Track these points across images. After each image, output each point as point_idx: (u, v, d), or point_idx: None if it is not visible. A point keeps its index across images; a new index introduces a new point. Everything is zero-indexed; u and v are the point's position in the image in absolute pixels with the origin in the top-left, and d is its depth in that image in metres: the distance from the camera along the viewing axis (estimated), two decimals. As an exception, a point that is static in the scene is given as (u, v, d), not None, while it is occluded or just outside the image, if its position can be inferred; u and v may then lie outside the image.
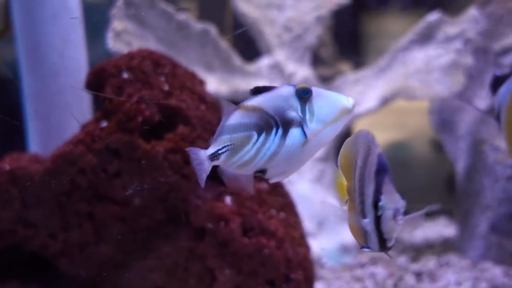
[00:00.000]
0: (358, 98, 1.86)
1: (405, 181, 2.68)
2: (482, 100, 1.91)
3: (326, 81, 2.14)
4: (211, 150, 0.70)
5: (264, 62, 1.99)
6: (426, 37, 1.79)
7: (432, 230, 2.04)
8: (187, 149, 0.71)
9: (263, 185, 1.25)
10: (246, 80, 1.95)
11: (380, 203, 0.69)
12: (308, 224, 1.92)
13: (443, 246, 1.92)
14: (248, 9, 1.97)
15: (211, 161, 0.70)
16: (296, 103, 0.70)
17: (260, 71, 1.98)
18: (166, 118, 1.16)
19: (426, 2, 2.41)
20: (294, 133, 0.70)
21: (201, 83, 1.28)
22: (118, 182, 1.13)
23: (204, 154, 0.70)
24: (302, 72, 2.02)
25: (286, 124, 0.70)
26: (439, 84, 1.74)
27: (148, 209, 1.15)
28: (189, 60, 1.85)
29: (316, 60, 2.67)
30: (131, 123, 1.13)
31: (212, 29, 1.87)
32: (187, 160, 1.14)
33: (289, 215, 1.23)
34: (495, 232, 1.68)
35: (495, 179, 1.72)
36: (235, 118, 0.70)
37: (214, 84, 1.84)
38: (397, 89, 1.76)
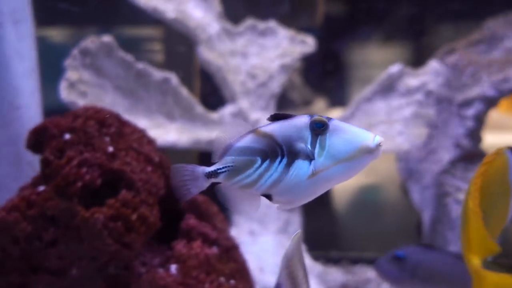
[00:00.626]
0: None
1: (376, 225, 2.65)
2: (447, 151, 1.90)
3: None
4: (212, 168, 0.71)
5: (227, 110, 1.96)
6: (388, 89, 1.79)
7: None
8: (173, 165, 0.71)
9: (213, 250, 1.19)
10: (208, 128, 1.91)
11: None
12: (272, 278, 1.85)
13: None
14: (211, 56, 1.94)
15: (208, 178, 0.70)
16: (307, 135, 0.70)
17: (223, 119, 1.94)
18: (109, 182, 1.11)
19: (409, 32, 2.44)
20: (300, 165, 0.70)
21: (150, 142, 1.23)
22: (54, 251, 1.06)
23: (201, 170, 0.71)
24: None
25: (292, 155, 0.70)
26: (402, 136, 1.72)
27: (86, 279, 1.08)
28: (149, 108, 1.81)
29: (287, 104, 2.65)
30: (70, 189, 1.06)
31: (173, 77, 1.83)
32: (128, 227, 1.08)
33: (239, 283, 1.16)
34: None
35: (459, 235, 1.69)
36: (245, 141, 0.71)
37: (174, 134, 1.79)
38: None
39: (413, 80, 1.77)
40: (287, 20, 2.23)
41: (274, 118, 0.71)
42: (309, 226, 2.12)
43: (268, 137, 0.70)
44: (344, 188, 2.66)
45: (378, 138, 0.70)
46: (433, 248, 1.29)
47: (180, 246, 1.17)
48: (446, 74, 1.84)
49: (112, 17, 2.40)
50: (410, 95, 1.77)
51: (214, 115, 1.93)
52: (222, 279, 1.14)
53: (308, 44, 2.01)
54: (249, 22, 2.01)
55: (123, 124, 1.21)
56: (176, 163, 0.70)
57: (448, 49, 1.97)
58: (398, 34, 2.48)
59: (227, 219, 2.02)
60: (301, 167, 0.69)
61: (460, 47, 1.97)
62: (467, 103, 1.81)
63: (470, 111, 1.79)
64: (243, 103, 1.97)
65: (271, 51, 2.02)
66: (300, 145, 0.69)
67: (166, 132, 1.76)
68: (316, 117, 0.70)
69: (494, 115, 3.21)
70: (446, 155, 1.88)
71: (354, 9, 2.53)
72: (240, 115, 1.96)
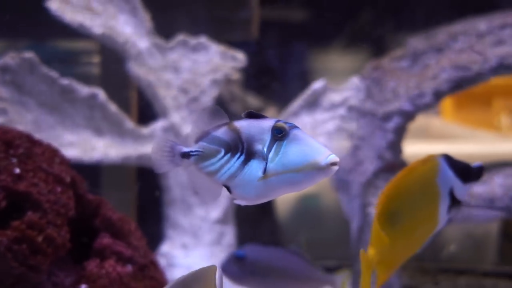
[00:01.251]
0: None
1: (317, 233, 2.70)
2: (371, 162, 1.98)
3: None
4: (187, 149, 0.75)
5: (158, 124, 1.97)
6: (313, 104, 1.85)
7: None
8: (160, 139, 0.76)
9: (127, 269, 1.20)
10: (138, 143, 1.91)
11: None
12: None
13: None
14: (141, 72, 1.95)
15: (182, 158, 0.75)
16: (267, 138, 0.72)
17: (154, 134, 1.95)
18: (15, 204, 1.10)
19: (369, 39, 2.50)
20: (254, 165, 0.72)
21: (63, 162, 1.23)
22: (-45, 276, 1.04)
23: (179, 149, 0.75)
24: (200, 133, 2.01)
25: (250, 154, 0.73)
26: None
27: (-9, 303, 1.07)
28: (75, 125, 1.80)
29: (229, 115, 2.68)
30: (-28, 212, 1.05)
31: (100, 93, 1.83)
32: (34, 250, 1.08)
33: (153, 300, 1.18)
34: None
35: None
36: (219, 131, 0.74)
37: (102, 149, 1.79)
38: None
39: (336, 95, 1.83)
40: (223, 35, 2.26)
41: (249, 115, 0.74)
42: (247, 235, 2.15)
43: (235, 132, 0.73)
44: (285, 196, 2.70)
45: (332, 157, 0.69)
46: (271, 246, 1.39)
47: (92, 266, 1.17)
48: (368, 89, 1.92)
49: (47, 29, 2.37)
50: (334, 109, 1.83)
51: (145, 130, 1.93)
52: (134, 297, 1.16)
53: (238, 59, 2.06)
54: (180, 37, 2.04)
55: (33, 144, 1.20)
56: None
57: (374, 64, 2.05)
58: (359, 41, 2.54)
59: (160, 233, 2.03)
60: (254, 167, 0.72)
61: (385, 62, 2.06)
62: (387, 117, 1.89)
63: (390, 125, 1.87)
64: (175, 118, 1.99)
65: (203, 66, 2.05)
66: (258, 146, 0.72)
67: (93, 148, 1.76)
68: (278, 123, 0.72)
69: (437, 122, 3.27)
70: (370, 166, 1.95)
71: (315, 16, 2.57)
72: (171, 129, 1.98)
